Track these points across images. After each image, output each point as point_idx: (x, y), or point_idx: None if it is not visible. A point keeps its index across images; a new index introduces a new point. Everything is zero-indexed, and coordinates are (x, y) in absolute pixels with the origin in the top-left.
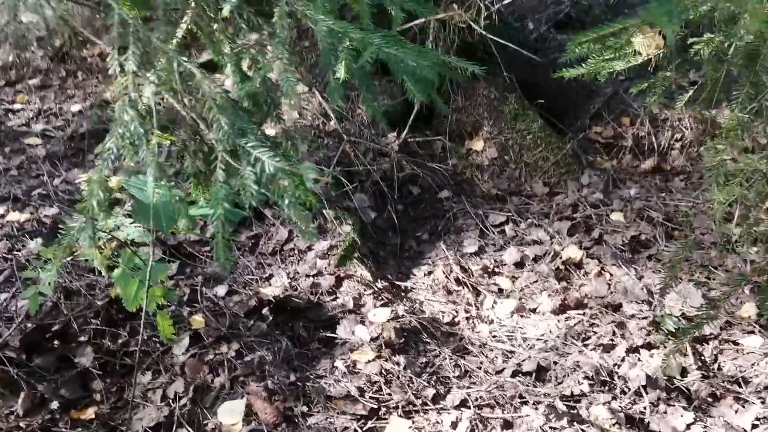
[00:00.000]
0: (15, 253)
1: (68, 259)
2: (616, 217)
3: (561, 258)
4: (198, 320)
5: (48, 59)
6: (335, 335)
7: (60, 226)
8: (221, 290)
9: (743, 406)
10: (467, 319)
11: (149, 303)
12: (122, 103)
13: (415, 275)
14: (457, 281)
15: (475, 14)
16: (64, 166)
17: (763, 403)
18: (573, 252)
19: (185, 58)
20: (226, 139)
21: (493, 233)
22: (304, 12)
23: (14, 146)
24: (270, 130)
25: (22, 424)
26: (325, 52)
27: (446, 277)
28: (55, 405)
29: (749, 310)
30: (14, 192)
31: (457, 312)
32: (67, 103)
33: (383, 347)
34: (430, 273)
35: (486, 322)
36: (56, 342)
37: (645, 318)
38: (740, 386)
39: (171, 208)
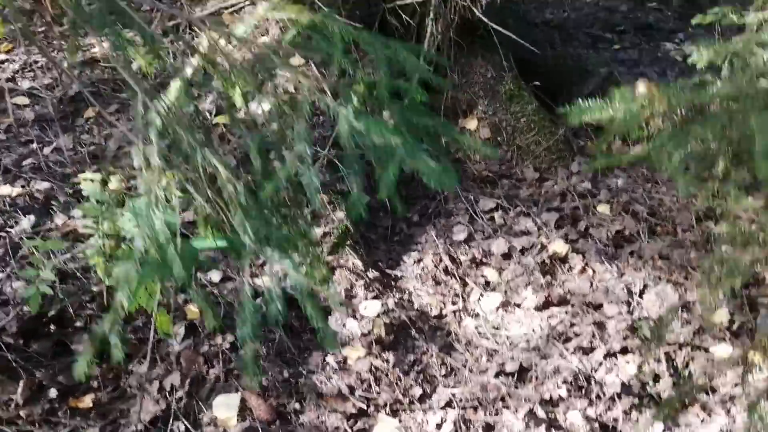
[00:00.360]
0: (8, 230)
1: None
2: (603, 209)
3: (547, 252)
4: (193, 310)
5: None
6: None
7: (53, 202)
8: (215, 276)
9: (709, 416)
10: (454, 312)
11: (145, 299)
12: (148, 202)
13: (405, 262)
14: (446, 271)
15: None
16: (54, 130)
17: (728, 413)
18: (559, 246)
19: (210, 151)
20: (251, 250)
21: (483, 220)
22: (325, 101)
23: (1, 105)
24: (265, 104)
25: (22, 413)
26: (347, 158)
27: (435, 266)
28: (53, 393)
29: (722, 316)
30: (4, 162)
31: (444, 304)
32: (54, 57)
33: (373, 344)
34: (419, 260)
35: (472, 316)
36: (53, 327)
37: (624, 320)
38: (708, 395)
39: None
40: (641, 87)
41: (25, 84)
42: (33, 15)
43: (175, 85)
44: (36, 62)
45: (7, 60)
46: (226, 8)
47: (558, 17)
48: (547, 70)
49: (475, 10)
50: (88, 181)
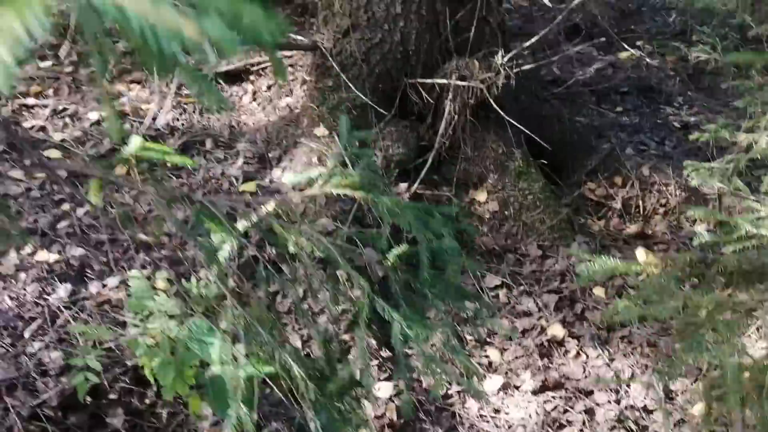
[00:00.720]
0: (45, 297)
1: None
2: (598, 292)
3: (546, 335)
4: None
5: (57, 31)
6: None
7: (87, 270)
8: (240, 348)
9: None
10: (459, 392)
11: (182, 386)
12: (234, 393)
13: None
14: (453, 350)
15: (495, 75)
16: (86, 188)
17: None
18: (557, 330)
19: (286, 351)
20: None
21: (488, 297)
22: (380, 303)
23: (33, 159)
24: (288, 175)
25: None
26: (398, 364)
27: (443, 344)
28: None
29: (700, 409)
30: (41, 224)
31: (450, 384)
32: (82, 105)
33: (385, 428)
34: (427, 337)
35: (475, 398)
36: (88, 399)
37: (611, 410)
38: None
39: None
40: (641, 253)
41: (56, 135)
42: (59, 48)
43: (226, 249)
44: (65, 109)
45: (36, 105)
46: (251, 65)
47: (566, 75)
48: (553, 143)
49: (488, 96)
50: (135, 279)
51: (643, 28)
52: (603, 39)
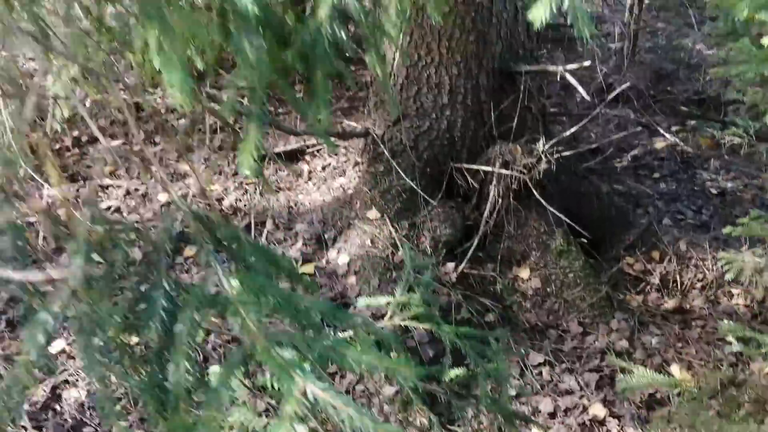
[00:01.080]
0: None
1: None
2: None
3: (588, 414)
4: None
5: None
6: None
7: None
8: (302, 429)
9: None
10: None
11: None
12: None
13: (464, 416)
14: (500, 429)
15: (536, 161)
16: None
17: None
18: (598, 410)
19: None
20: None
21: (532, 374)
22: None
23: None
24: (343, 256)
25: None
26: None
27: (491, 423)
28: None
29: None
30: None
31: None
32: (153, 186)
33: None
34: (476, 415)
35: None
36: None
37: None
38: None
39: None
40: (675, 369)
41: (130, 217)
42: (127, 125)
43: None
44: (137, 189)
45: (110, 185)
46: (307, 146)
47: (602, 142)
48: (592, 220)
49: (529, 183)
50: (214, 374)
51: (681, 88)
52: (641, 127)
